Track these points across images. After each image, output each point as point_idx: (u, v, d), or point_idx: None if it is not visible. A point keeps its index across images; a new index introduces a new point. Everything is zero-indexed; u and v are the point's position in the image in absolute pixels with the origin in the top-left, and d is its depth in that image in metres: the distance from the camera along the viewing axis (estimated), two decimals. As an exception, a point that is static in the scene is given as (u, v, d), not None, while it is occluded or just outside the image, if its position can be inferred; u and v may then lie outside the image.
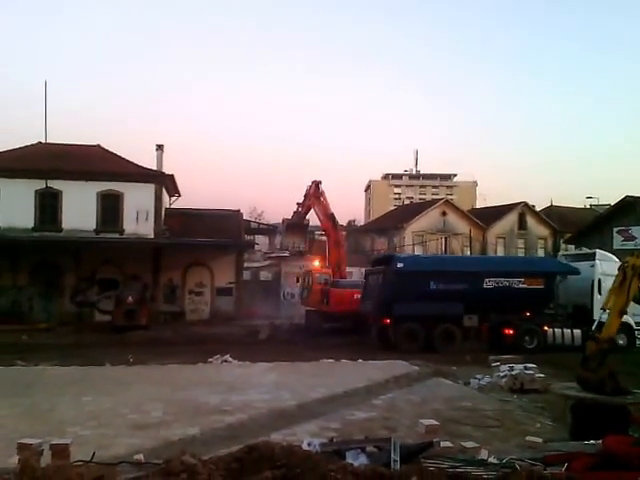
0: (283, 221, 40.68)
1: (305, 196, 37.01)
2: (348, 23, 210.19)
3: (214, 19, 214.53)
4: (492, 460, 7.79)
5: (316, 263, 36.47)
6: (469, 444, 8.80)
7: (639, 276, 11.81)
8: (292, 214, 39.20)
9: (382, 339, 27.52)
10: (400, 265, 26.73)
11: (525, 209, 64.84)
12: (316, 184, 35.93)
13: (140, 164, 39.36)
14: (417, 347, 25.32)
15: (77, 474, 5.18)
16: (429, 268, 27.62)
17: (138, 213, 37.24)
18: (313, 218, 37.99)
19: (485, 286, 26.67)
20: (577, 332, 25.49)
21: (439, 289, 26.34)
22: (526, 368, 17.51)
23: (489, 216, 64.48)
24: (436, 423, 10.61)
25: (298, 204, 37.91)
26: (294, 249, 39.63)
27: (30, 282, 36.09)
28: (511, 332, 26.23)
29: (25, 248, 35.21)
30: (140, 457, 7.89)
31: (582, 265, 27.12)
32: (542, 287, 27.06)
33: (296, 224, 38.55)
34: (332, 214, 35.31)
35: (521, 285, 26.74)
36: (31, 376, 17.38)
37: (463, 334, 26.80)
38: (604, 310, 12.19)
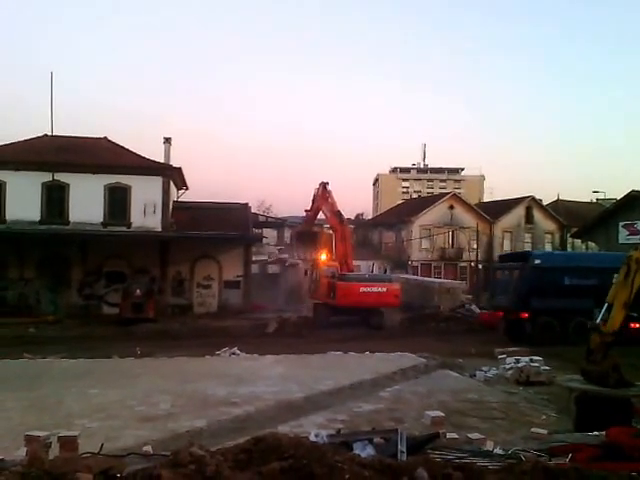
0: (292, 233, 40.87)
1: (313, 200, 37.13)
2: (358, 19, 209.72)
3: (222, 12, 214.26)
4: (497, 451, 7.83)
5: (323, 256, 36.48)
6: (475, 435, 8.83)
7: None
8: (302, 219, 39.35)
9: (512, 332, 28.21)
10: (537, 262, 27.88)
11: (532, 203, 64.66)
12: (323, 185, 35.99)
13: (148, 157, 39.32)
14: (553, 340, 25.64)
15: (85, 466, 5.22)
16: (564, 264, 28.66)
17: (146, 206, 37.21)
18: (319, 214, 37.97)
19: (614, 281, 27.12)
20: None
21: (572, 284, 27.06)
22: (532, 361, 17.61)
23: (496, 210, 64.36)
24: (442, 415, 10.65)
25: (307, 210, 38.00)
26: (306, 257, 39.68)
27: (37, 275, 36.10)
28: (637, 326, 26.67)
29: (32, 241, 35.22)
30: (148, 449, 7.94)
31: None
32: None
33: (305, 232, 38.66)
34: (338, 211, 35.28)
35: None
36: (38, 369, 17.53)
37: None
38: (608, 303, 12.17)
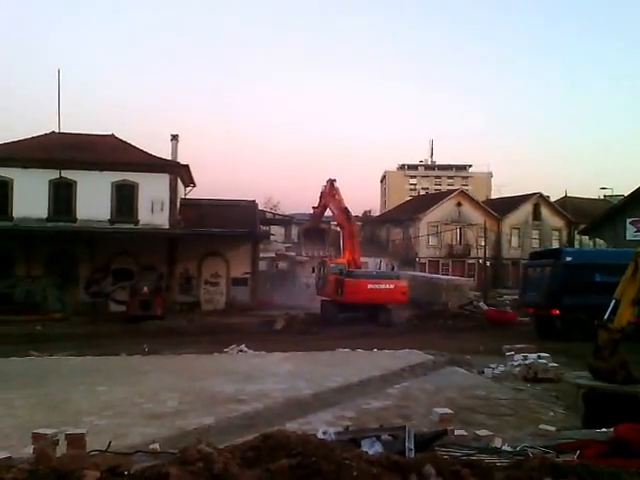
0: (299, 230, 40.96)
1: (320, 196, 37.18)
2: (363, 17, 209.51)
3: (229, 8, 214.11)
4: (505, 448, 7.78)
5: (331, 253, 36.47)
6: (483, 432, 8.78)
7: None
8: (310, 216, 39.51)
9: (542, 329, 28.50)
10: (569, 259, 28.15)
11: (540, 200, 64.69)
12: (331, 182, 36.05)
13: (155, 154, 39.42)
14: (583, 337, 25.64)
15: (92, 463, 5.21)
16: (595, 261, 28.50)
17: (153, 203, 37.34)
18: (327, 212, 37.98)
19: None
20: None
21: (604, 281, 26.66)
22: (540, 357, 17.55)
23: (504, 207, 64.42)
24: (450, 412, 10.61)
25: (314, 207, 38.01)
26: (314, 255, 39.70)
27: (45, 272, 36.30)
28: None
29: (39, 238, 35.39)
30: (156, 446, 7.92)
31: None
32: None
33: (313, 229, 38.68)
34: (346, 208, 35.29)
35: None
36: (45, 366, 17.50)
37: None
38: (616, 300, 12.09)
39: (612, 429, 8.43)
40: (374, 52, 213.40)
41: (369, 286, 31.65)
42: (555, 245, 63.42)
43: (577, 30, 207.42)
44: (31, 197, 35.87)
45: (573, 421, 11.32)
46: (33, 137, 39.13)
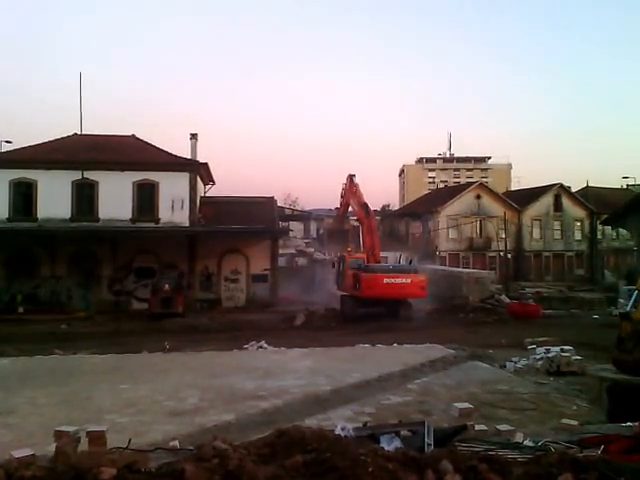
0: (322, 230, 41.23)
1: (342, 195, 37.28)
2: (381, 8, 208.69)
3: (248, 7, 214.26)
4: (527, 443, 7.72)
5: (349, 248, 36.42)
6: (504, 427, 8.73)
7: None
8: (332, 220, 39.73)
9: None
10: None
11: (561, 190, 63.99)
12: (350, 178, 36.22)
13: (174, 153, 39.66)
14: None
15: (110, 460, 5.25)
16: None
17: (173, 202, 37.51)
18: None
19: None
20: None
21: None
22: (563, 350, 17.38)
23: (524, 198, 63.84)
24: (470, 406, 10.59)
25: (337, 208, 38.26)
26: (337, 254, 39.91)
27: (68, 272, 36.61)
28: None
29: (63, 238, 35.72)
30: (175, 443, 7.98)
31: None
32: None
33: (337, 230, 38.81)
34: (365, 203, 35.31)
35: None
36: (69, 365, 17.71)
37: None
38: (638, 290, 11.91)
39: (637, 423, 8.34)
40: (390, 45, 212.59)
41: (385, 280, 31.38)
42: (577, 236, 63.07)
43: (591, 18, 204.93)
44: (55, 198, 36.22)
45: (597, 415, 11.21)
46: (56, 139, 39.61)
